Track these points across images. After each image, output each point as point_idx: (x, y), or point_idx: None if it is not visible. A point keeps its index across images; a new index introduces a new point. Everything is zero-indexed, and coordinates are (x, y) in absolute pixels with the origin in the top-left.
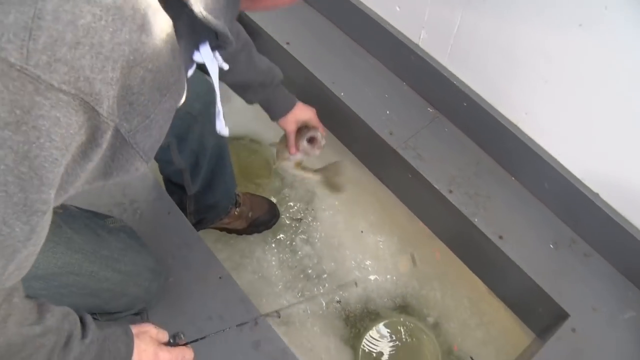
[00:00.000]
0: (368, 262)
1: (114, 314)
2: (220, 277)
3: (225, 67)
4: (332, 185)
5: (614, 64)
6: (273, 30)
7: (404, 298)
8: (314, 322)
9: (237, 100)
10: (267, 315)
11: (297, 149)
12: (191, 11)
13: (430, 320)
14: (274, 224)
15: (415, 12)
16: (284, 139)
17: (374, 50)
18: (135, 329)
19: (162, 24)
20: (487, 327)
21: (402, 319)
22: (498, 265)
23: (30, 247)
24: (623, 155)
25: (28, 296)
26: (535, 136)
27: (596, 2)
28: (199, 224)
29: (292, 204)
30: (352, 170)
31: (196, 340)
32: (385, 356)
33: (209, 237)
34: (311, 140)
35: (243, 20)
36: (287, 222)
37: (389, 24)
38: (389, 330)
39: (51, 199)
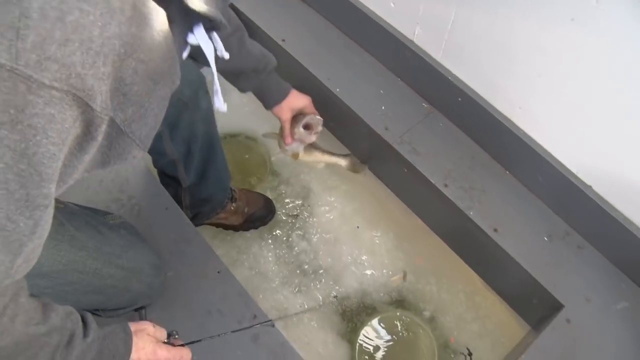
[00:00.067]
0: (364, 257)
1: (116, 310)
2: (218, 272)
3: (227, 56)
4: (357, 169)
5: (606, 58)
6: (268, 27)
7: (400, 292)
8: (311, 317)
9: (232, 97)
10: (261, 323)
11: (293, 137)
12: (180, 2)
13: (427, 314)
14: (270, 219)
15: (410, 9)
16: (282, 128)
17: (369, 47)
18: (133, 327)
19: (152, 14)
20: (482, 320)
21: (398, 314)
22: (493, 258)
23: (35, 240)
24: (615, 148)
25: (32, 295)
26: (529, 130)
27: None
28: (195, 219)
29: (288, 200)
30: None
31: (192, 342)
32: (382, 350)
33: (206, 233)
34: (307, 127)
35: (239, 17)
36: (284, 218)
37: (383, 20)
38: (385, 325)
39: (52, 193)
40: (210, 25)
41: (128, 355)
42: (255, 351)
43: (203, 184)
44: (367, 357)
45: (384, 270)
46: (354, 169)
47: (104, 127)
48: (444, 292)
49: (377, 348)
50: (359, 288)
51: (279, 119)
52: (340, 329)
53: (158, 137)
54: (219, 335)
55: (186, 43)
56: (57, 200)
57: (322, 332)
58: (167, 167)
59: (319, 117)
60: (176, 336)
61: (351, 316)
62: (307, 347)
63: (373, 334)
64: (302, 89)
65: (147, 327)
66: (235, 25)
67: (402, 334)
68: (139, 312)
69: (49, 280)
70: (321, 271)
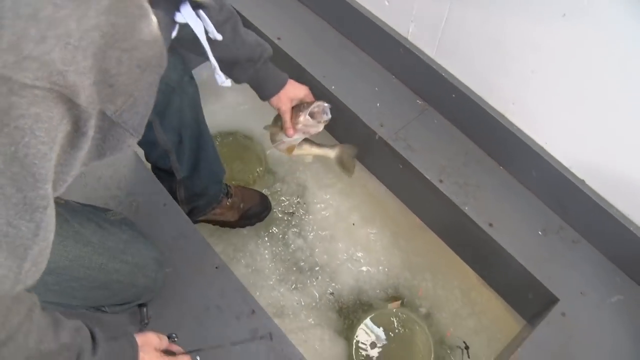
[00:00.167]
0: (360, 254)
1: (121, 305)
2: (216, 267)
3: (219, 37)
4: (345, 165)
5: (599, 53)
6: (264, 25)
7: (396, 289)
8: (307, 314)
9: (229, 96)
10: (262, 337)
11: (295, 128)
12: None
13: (423, 310)
14: (266, 215)
15: (404, 7)
16: (278, 120)
17: (364, 45)
18: (139, 339)
19: (131, 0)
20: (478, 316)
21: (394, 310)
22: (489, 253)
23: (40, 243)
24: (608, 143)
25: (44, 308)
26: (523, 126)
27: None
28: (192, 214)
29: (284, 198)
30: None
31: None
32: (378, 347)
33: (203, 231)
34: (312, 116)
35: None
36: (280, 215)
37: (378, 18)
38: (381, 322)
39: (49, 193)
40: (197, 4)
41: None
42: (254, 346)
43: (196, 176)
44: (363, 353)
45: (380, 267)
46: (342, 163)
47: (92, 122)
48: (439, 288)
49: (373, 344)
50: (355, 285)
51: (278, 109)
52: (336, 325)
53: (149, 127)
54: (219, 346)
55: (174, 22)
56: (57, 197)
57: (319, 329)
58: (159, 159)
59: (326, 103)
60: (175, 339)
61: (348, 313)
62: (304, 344)
63: (369, 331)
64: None
65: (152, 339)
66: (227, 12)
67: (398, 330)
68: (140, 310)
69: (55, 276)
70: (317, 268)
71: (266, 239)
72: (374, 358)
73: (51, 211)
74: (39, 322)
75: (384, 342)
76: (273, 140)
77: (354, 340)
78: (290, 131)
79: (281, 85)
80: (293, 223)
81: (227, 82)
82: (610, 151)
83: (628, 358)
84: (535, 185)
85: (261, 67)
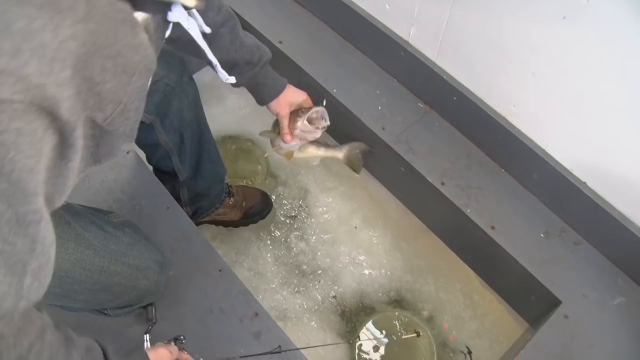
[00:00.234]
0: (362, 258)
1: (123, 308)
2: (220, 270)
3: (207, 30)
4: (353, 165)
5: (598, 55)
6: (265, 29)
7: (399, 292)
8: (310, 317)
9: (230, 100)
10: (270, 353)
11: (293, 134)
12: None
13: (425, 313)
14: (268, 212)
15: (405, 10)
16: (276, 125)
17: (365, 48)
18: (151, 356)
19: (111, 5)
20: (480, 319)
21: (396, 313)
22: (491, 256)
23: (39, 258)
24: (609, 144)
25: (57, 326)
26: (524, 128)
27: None
28: (195, 215)
29: (286, 201)
30: (345, 166)
31: None
32: (381, 350)
33: (205, 234)
34: (310, 122)
35: None
36: (282, 219)
37: (379, 21)
38: (384, 325)
39: (40, 207)
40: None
41: None
42: (258, 348)
43: (199, 176)
44: (366, 357)
45: (382, 270)
46: (351, 163)
47: (79, 132)
48: (441, 291)
49: (376, 348)
50: (357, 288)
51: (277, 114)
52: (339, 328)
53: (150, 128)
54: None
55: (166, 22)
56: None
57: (322, 332)
58: (161, 161)
59: (323, 107)
60: (183, 341)
61: (350, 316)
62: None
63: (372, 334)
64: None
65: (164, 354)
66: (225, 14)
67: (401, 333)
68: (148, 310)
69: (57, 279)
70: (320, 271)
71: (268, 242)
72: None
73: (46, 225)
74: (51, 343)
75: (387, 346)
76: (272, 145)
77: (357, 344)
78: (288, 137)
79: (280, 90)
80: (295, 226)
81: (231, 79)
82: (612, 153)
83: None
84: (537, 188)
85: (260, 70)
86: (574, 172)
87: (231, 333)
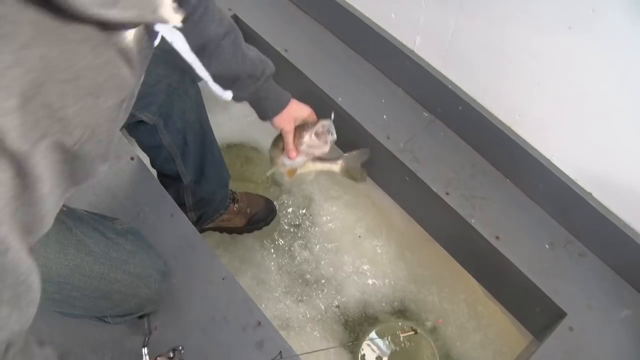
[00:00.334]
0: (366, 267)
1: (124, 317)
2: (223, 278)
3: (190, 59)
4: (353, 175)
5: (604, 65)
6: (271, 37)
7: (402, 302)
8: (313, 327)
9: (235, 108)
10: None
11: (299, 150)
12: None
13: (429, 324)
14: (272, 219)
15: (410, 19)
16: (279, 142)
17: (371, 57)
18: None
19: (66, 25)
20: (484, 330)
21: (400, 324)
22: (495, 266)
23: (13, 288)
24: (615, 154)
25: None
26: (529, 138)
27: (584, 4)
28: (200, 221)
29: (290, 210)
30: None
31: None
32: None
33: (208, 242)
34: (317, 136)
35: (241, 28)
36: (286, 227)
37: (384, 30)
38: (387, 335)
39: (5, 236)
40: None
41: None
42: (260, 358)
43: (203, 180)
44: None
45: (386, 280)
46: (350, 174)
47: (34, 160)
48: (445, 301)
49: (379, 358)
50: (361, 298)
51: (282, 130)
52: (342, 338)
53: (153, 130)
54: None
55: (153, 31)
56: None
57: (324, 342)
58: (165, 164)
59: (330, 121)
60: (182, 351)
61: (353, 326)
62: (310, 357)
63: (375, 344)
64: (304, 98)
65: None
66: (228, 26)
67: (404, 344)
68: (144, 321)
69: (56, 285)
70: (323, 281)
71: (272, 250)
72: None
73: (17, 253)
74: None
75: (390, 356)
76: (274, 163)
77: (360, 354)
78: (293, 153)
79: (284, 105)
80: (299, 235)
81: (227, 94)
82: (618, 164)
83: None
84: (542, 198)
85: (263, 84)
86: (580, 183)
87: (234, 342)
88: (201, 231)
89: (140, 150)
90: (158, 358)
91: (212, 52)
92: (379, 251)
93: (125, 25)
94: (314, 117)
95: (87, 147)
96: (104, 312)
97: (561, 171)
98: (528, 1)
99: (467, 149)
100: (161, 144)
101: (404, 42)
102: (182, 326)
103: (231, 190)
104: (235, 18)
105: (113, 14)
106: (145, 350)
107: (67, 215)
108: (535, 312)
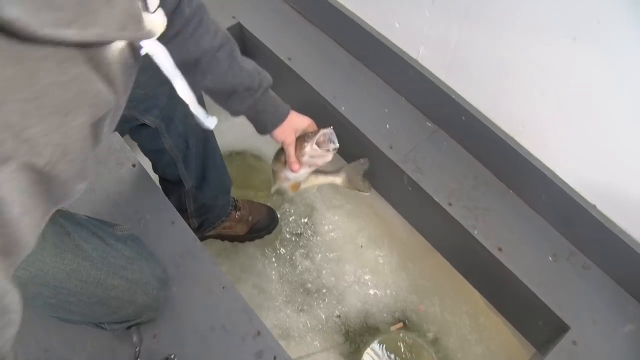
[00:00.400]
0: (368, 277)
1: (122, 323)
2: (223, 287)
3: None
4: (357, 186)
5: (609, 77)
6: (275, 46)
7: (404, 313)
8: (313, 337)
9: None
10: None
11: (301, 162)
12: None
13: (430, 335)
14: (274, 227)
15: (414, 29)
16: (281, 154)
17: (374, 66)
18: None
19: (20, 43)
20: (486, 342)
21: (401, 335)
22: (497, 278)
23: None
24: (619, 167)
25: None
26: (533, 149)
27: (588, 16)
28: (201, 228)
29: (292, 218)
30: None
31: None
32: None
33: (209, 250)
34: (319, 145)
35: (244, 36)
36: (287, 236)
37: (388, 40)
38: (388, 346)
39: None
40: None
41: None
42: None
43: (205, 185)
44: None
45: (388, 290)
46: (354, 185)
47: None
48: (447, 313)
49: None
50: (362, 308)
51: (283, 142)
52: (342, 349)
53: (156, 134)
54: None
55: (139, 45)
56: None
57: (325, 352)
58: (167, 168)
59: (331, 129)
60: None
61: (354, 336)
62: None
63: (376, 355)
64: (308, 107)
65: None
66: (223, 38)
67: (405, 355)
68: (134, 330)
69: (52, 289)
70: (324, 290)
71: (273, 259)
72: None
73: None
74: None
75: None
76: (277, 178)
77: None
78: (296, 166)
79: (283, 117)
80: (301, 244)
81: (210, 121)
82: (622, 176)
83: None
84: (546, 210)
85: (260, 97)
86: (583, 194)
87: (232, 351)
88: (203, 238)
89: (142, 157)
90: None
91: (207, 65)
92: (380, 261)
93: (99, 42)
94: (314, 127)
95: (59, 167)
96: (101, 318)
97: (565, 182)
98: (532, 12)
99: (470, 159)
100: (163, 147)
101: (408, 52)
102: (181, 335)
103: (233, 198)
104: (240, 26)
105: (70, 34)
106: None
107: (67, 220)
108: (538, 325)
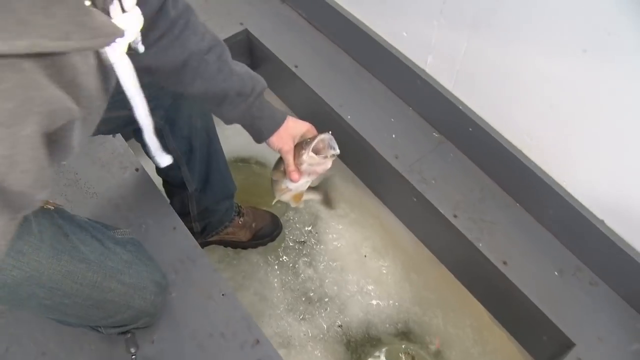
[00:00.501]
0: (371, 287)
1: (118, 327)
2: (223, 294)
3: (141, 49)
4: (330, 202)
5: (619, 89)
6: (282, 53)
7: (406, 324)
8: (314, 346)
9: None
10: None
11: (300, 171)
12: None
13: (433, 347)
14: (278, 234)
15: (422, 38)
16: (280, 164)
17: (381, 75)
18: None
19: None
20: (489, 356)
21: (403, 346)
22: (502, 292)
23: None
24: (627, 181)
25: None
26: (540, 162)
27: (598, 28)
28: (204, 232)
29: (296, 227)
30: (357, 193)
31: None
32: None
33: (212, 256)
34: (317, 152)
35: (251, 43)
36: (291, 244)
37: (396, 49)
38: (390, 357)
39: None
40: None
41: None
42: None
43: (208, 189)
44: None
45: (390, 301)
46: (327, 203)
47: None
48: (450, 325)
49: None
50: (364, 318)
51: (280, 150)
52: (344, 359)
53: (160, 136)
54: None
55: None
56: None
57: None
58: (170, 171)
59: (329, 134)
60: None
61: (356, 347)
62: None
63: None
64: (313, 115)
65: None
66: (212, 40)
67: None
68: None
69: (47, 290)
70: (327, 299)
71: (276, 267)
72: None
73: None
74: None
75: None
76: (277, 190)
77: None
78: (295, 175)
79: (280, 122)
80: (304, 252)
81: (165, 158)
82: (631, 191)
83: None
84: (552, 224)
85: (254, 102)
86: (592, 209)
87: (230, 359)
88: (206, 244)
89: (146, 159)
90: None
91: (195, 68)
92: (384, 272)
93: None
94: (314, 131)
95: (10, 179)
96: (97, 321)
97: (572, 196)
98: (542, 23)
99: (476, 171)
100: (167, 149)
101: (415, 61)
102: (179, 341)
103: (237, 204)
104: (247, 33)
105: None
106: None
107: (66, 221)
108: (543, 341)
